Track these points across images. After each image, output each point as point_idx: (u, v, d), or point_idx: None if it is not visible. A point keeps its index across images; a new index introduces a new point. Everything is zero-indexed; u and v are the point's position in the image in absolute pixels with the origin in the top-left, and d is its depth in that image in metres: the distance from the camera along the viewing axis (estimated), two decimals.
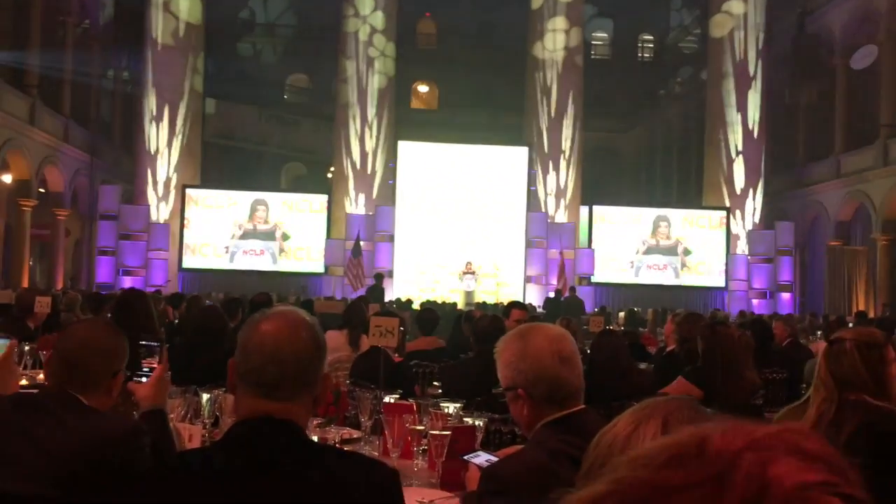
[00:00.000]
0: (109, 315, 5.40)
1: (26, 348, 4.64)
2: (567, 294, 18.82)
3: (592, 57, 30.04)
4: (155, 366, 2.67)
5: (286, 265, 21.88)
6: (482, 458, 2.32)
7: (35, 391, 2.57)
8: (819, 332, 11.52)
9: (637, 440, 1.04)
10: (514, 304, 7.31)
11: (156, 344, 2.77)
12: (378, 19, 22.10)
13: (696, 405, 1.09)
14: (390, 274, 20.98)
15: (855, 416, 2.57)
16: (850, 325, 7.96)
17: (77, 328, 2.30)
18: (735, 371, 4.26)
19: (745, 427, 0.62)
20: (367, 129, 21.93)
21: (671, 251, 22.39)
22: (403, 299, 18.52)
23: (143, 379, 2.60)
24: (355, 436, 3.38)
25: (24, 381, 3.87)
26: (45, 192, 20.97)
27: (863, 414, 2.57)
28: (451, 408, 3.10)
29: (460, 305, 17.88)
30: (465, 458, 2.40)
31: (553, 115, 22.04)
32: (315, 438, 2.82)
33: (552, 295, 19.10)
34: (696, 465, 0.59)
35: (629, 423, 1.07)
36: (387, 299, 18.08)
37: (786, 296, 22.00)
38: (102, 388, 2.17)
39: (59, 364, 2.18)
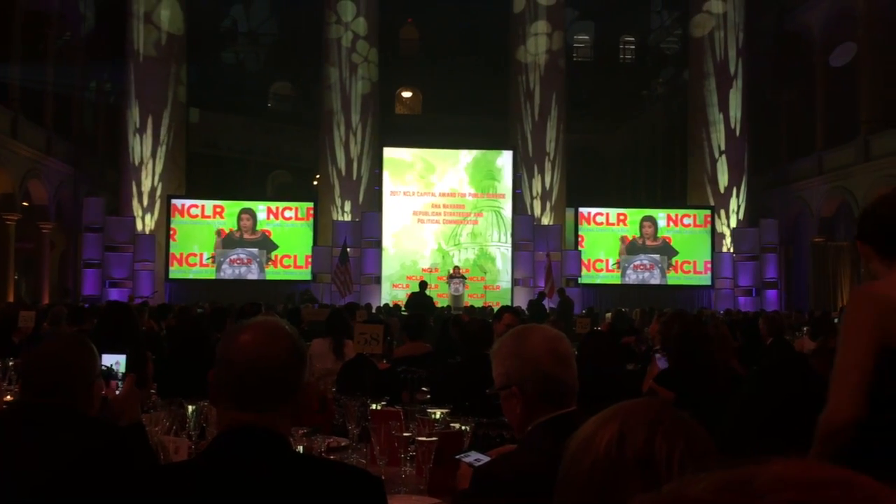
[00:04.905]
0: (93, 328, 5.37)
1: (10, 363, 4.60)
2: (555, 297, 18.83)
3: (575, 59, 30.16)
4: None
5: (274, 274, 21.82)
6: (473, 458, 2.34)
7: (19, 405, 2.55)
8: (805, 329, 11.60)
9: (595, 443, 1.05)
10: (506, 309, 7.56)
11: (120, 356, 2.75)
12: (360, 26, 22.12)
13: (660, 406, 1.10)
14: (378, 279, 20.97)
15: None
16: (836, 320, 8.00)
17: (44, 345, 2.30)
18: (711, 360, 4.29)
19: (799, 468, 0.55)
20: (351, 136, 21.91)
21: (657, 251, 22.48)
22: (391, 305, 18.48)
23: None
24: (342, 444, 3.37)
25: (8, 398, 3.85)
26: (29, 206, 20.84)
27: None
28: (437, 413, 3.10)
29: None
30: (458, 456, 2.42)
31: (537, 118, 22.10)
32: (301, 447, 2.82)
33: (534, 298, 19.09)
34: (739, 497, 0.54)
35: (590, 426, 1.08)
36: (375, 305, 18.04)
37: (771, 293, 22.13)
38: (81, 399, 2.17)
39: (33, 380, 2.18)
